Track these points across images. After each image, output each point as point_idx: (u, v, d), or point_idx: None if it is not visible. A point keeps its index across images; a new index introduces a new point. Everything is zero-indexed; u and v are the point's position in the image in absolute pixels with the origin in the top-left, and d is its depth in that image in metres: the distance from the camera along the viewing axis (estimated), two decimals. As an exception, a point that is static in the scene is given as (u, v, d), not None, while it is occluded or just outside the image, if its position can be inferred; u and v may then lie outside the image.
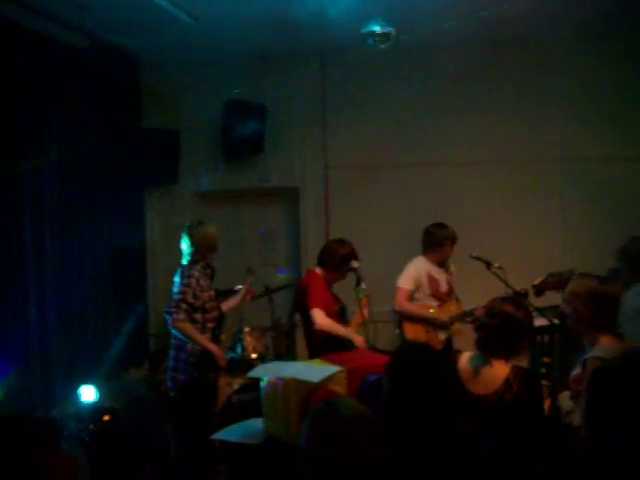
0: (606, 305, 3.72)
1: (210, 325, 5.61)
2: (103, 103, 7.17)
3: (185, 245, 5.64)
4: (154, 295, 8.00)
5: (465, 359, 3.76)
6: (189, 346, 5.51)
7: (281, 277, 7.59)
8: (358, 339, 5.66)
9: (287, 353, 7.03)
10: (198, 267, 5.57)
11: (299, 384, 3.70)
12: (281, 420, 3.69)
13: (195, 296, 5.46)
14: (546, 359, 6.21)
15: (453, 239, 6.48)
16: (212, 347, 5.51)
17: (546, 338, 6.55)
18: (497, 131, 7.68)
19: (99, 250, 7.15)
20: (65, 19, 6.18)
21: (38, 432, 2.43)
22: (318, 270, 5.97)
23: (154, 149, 7.86)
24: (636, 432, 2.20)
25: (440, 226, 6.50)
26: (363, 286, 5.77)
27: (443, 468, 2.56)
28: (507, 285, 6.13)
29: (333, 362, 4.05)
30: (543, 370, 6.12)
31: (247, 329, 6.61)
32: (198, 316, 5.53)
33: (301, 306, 5.96)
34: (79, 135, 6.81)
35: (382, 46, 6.02)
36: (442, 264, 6.57)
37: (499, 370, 3.62)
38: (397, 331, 6.51)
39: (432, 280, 6.47)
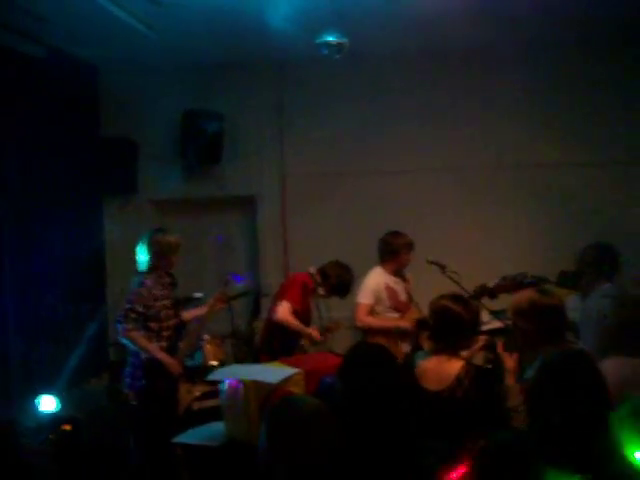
0: (547, 317, 3.67)
1: (166, 334, 5.56)
2: (61, 113, 7.15)
3: (142, 253, 5.62)
4: (113, 304, 7.95)
5: (417, 356, 3.88)
6: (143, 354, 5.51)
7: (239, 285, 7.62)
8: (314, 332, 5.75)
9: (247, 360, 7.07)
10: (152, 276, 5.54)
11: (258, 386, 3.77)
12: (241, 422, 3.76)
13: (146, 306, 5.41)
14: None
15: (409, 247, 6.43)
16: (162, 356, 5.44)
17: (502, 340, 6.70)
18: (452, 139, 7.81)
19: (57, 259, 7.09)
20: (22, 29, 6.19)
21: None
22: (308, 276, 6.09)
23: (113, 158, 7.87)
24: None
25: (395, 234, 6.46)
26: (321, 292, 5.90)
27: (395, 466, 2.63)
28: (462, 288, 6.25)
29: (291, 364, 4.13)
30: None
31: (207, 337, 6.64)
32: (153, 325, 5.49)
33: (275, 299, 6.04)
34: (37, 144, 6.80)
35: (336, 56, 6.09)
36: (399, 273, 6.55)
37: (451, 367, 3.69)
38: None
39: (391, 292, 6.44)
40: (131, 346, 5.46)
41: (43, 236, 6.93)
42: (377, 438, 2.72)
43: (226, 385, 3.93)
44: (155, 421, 5.30)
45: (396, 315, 6.44)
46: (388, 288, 6.41)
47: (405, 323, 6.34)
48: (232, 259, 8.27)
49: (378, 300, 6.36)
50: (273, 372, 3.91)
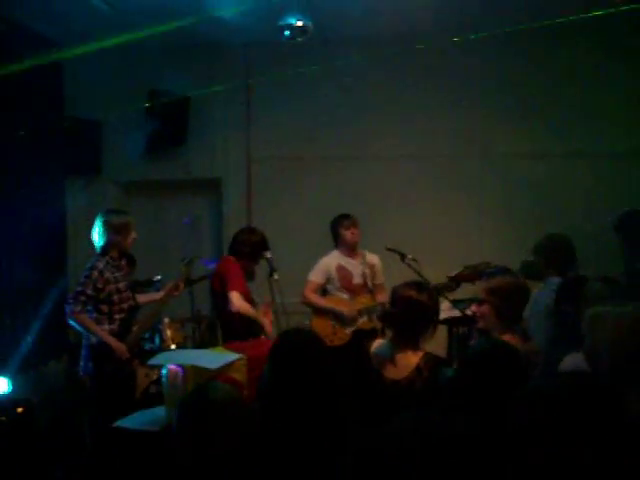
0: (520, 299, 3.79)
1: (118, 317, 5.48)
2: (24, 91, 7.04)
3: (96, 235, 5.56)
4: (74, 286, 7.91)
5: (377, 345, 3.84)
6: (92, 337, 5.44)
7: (203, 268, 7.57)
8: (268, 326, 5.73)
9: (209, 344, 7.03)
10: (105, 259, 5.47)
11: (198, 371, 3.74)
12: (180, 407, 3.72)
13: (96, 288, 5.34)
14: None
15: (345, 224, 6.54)
16: (109, 339, 5.34)
17: (460, 329, 6.71)
18: (419, 127, 7.78)
19: (18, 238, 7.01)
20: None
21: None
22: (232, 258, 6.01)
23: (76, 138, 7.78)
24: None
25: (338, 216, 6.63)
26: (276, 277, 5.85)
27: (316, 453, 2.60)
28: (420, 276, 6.21)
29: (235, 350, 4.09)
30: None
31: (166, 320, 6.60)
32: (104, 307, 5.42)
33: (217, 291, 5.98)
34: (-2, 123, 6.72)
35: (299, 39, 6.04)
36: (354, 255, 6.59)
37: (410, 357, 3.66)
38: (307, 323, 6.55)
39: (343, 272, 6.53)
40: (78, 328, 5.40)
41: (4, 215, 6.84)
42: (301, 424, 2.69)
43: (167, 370, 3.89)
44: (106, 404, 5.23)
45: (346, 296, 6.53)
46: (340, 268, 6.53)
47: (343, 307, 6.45)
48: (197, 242, 8.20)
49: (329, 279, 6.55)
50: (214, 357, 3.88)
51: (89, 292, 5.31)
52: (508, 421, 1.69)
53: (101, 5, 6.17)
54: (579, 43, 7.47)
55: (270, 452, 2.44)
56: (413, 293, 3.69)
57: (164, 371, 3.91)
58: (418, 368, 3.63)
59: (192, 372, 3.74)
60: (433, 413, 1.62)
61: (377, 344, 3.87)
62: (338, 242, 6.60)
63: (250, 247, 5.98)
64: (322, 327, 6.40)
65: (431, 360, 3.67)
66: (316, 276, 6.53)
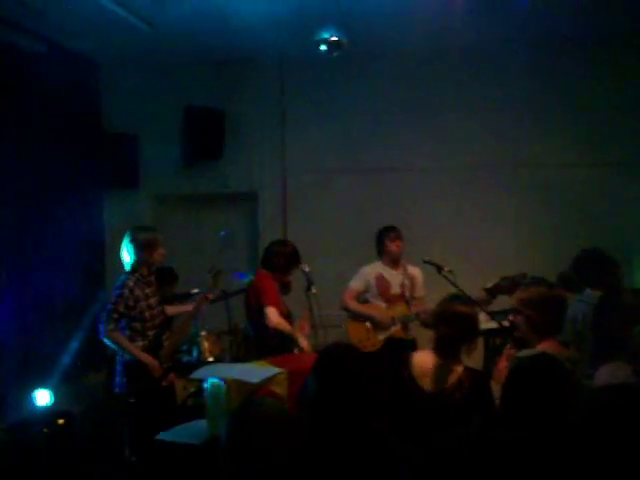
0: (554, 310, 3.76)
1: (150, 333, 5.56)
2: (63, 108, 7.20)
3: (125, 253, 5.59)
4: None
5: (419, 356, 3.90)
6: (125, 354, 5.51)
7: (241, 281, 7.63)
8: (303, 341, 5.75)
9: (245, 357, 7.07)
10: (134, 277, 5.51)
11: (240, 385, 3.79)
12: (223, 420, 3.75)
13: (128, 306, 5.40)
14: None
15: (391, 236, 6.61)
16: (144, 357, 5.43)
17: (497, 341, 6.69)
18: (453, 137, 7.78)
19: (57, 253, 7.14)
20: (23, 25, 6.22)
21: None
22: (265, 272, 6.06)
23: (114, 153, 7.91)
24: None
25: (384, 227, 6.70)
26: (313, 290, 5.88)
27: (360, 465, 2.63)
28: (457, 288, 6.23)
29: (276, 364, 4.13)
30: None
31: (204, 332, 6.65)
32: (137, 324, 5.48)
33: (252, 306, 6.03)
34: (39, 139, 6.85)
35: (335, 53, 6.10)
36: (396, 266, 6.64)
37: (452, 369, 3.74)
38: (344, 328, 6.66)
39: (381, 281, 6.60)
40: (112, 346, 5.47)
41: (44, 230, 6.98)
42: (346, 437, 2.72)
43: (209, 383, 3.94)
44: (143, 419, 5.29)
45: (384, 304, 6.59)
46: (379, 277, 6.62)
47: (380, 315, 6.53)
48: (232, 255, 8.26)
49: (367, 287, 6.63)
50: (256, 371, 3.92)
51: (121, 310, 5.38)
52: (565, 431, 1.71)
53: (140, 24, 6.26)
54: (614, 55, 7.45)
55: (316, 464, 2.48)
56: (460, 308, 3.82)
57: (206, 384, 3.96)
58: (459, 380, 3.71)
59: (234, 386, 3.79)
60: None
61: (419, 355, 3.94)
62: (382, 253, 6.69)
63: (282, 259, 6.02)
64: (357, 332, 6.53)
65: (472, 373, 3.76)
66: (355, 283, 6.63)
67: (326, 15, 6.08)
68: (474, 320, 3.87)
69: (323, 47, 6.14)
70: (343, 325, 6.63)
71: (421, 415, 3.68)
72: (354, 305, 6.61)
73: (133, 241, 5.53)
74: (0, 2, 5.78)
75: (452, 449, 1.45)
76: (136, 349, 5.43)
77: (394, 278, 6.62)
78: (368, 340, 6.52)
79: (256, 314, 5.91)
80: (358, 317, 6.61)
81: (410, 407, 3.73)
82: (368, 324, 6.57)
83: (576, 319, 4.76)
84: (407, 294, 6.63)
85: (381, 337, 6.55)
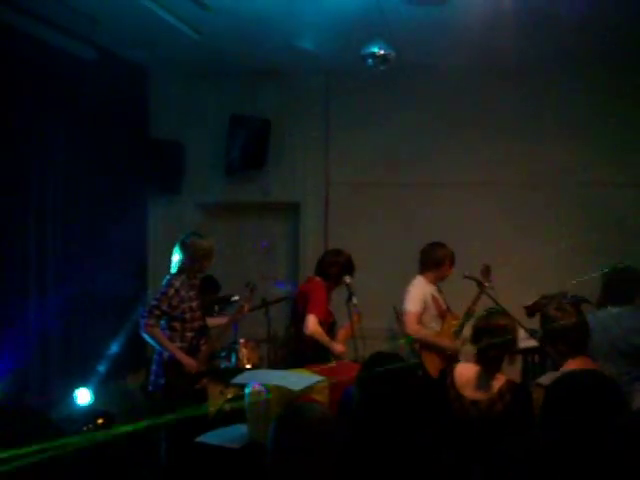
0: (573, 333, 3.91)
1: (189, 334, 5.65)
2: (111, 114, 7.31)
3: (176, 255, 5.72)
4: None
5: (462, 367, 4.03)
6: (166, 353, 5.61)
7: (279, 290, 7.70)
8: (338, 347, 5.79)
9: (283, 365, 7.11)
10: (182, 278, 5.63)
11: (281, 391, 3.82)
12: (263, 425, 3.80)
13: (171, 305, 5.51)
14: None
15: (452, 259, 6.47)
16: (180, 355, 5.54)
17: (536, 359, 6.67)
18: (496, 154, 7.76)
19: (102, 256, 7.24)
20: (74, 31, 6.34)
21: None
22: (318, 279, 6.11)
23: (159, 160, 8.03)
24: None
25: (439, 245, 6.47)
26: (355, 301, 5.91)
27: (402, 475, 2.65)
28: (496, 304, 6.22)
29: (317, 372, 4.17)
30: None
31: (242, 340, 6.73)
32: (177, 325, 5.59)
33: (299, 311, 6.08)
34: (86, 144, 6.97)
35: (381, 67, 6.10)
36: (436, 284, 6.55)
37: (494, 380, 3.85)
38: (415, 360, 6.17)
39: (436, 301, 6.43)
40: (151, 342, 5.57)
41: (89, 232, 7.10)
42: (390, 447, 2.74)
43: (251, 389, 3.99)
44: (178, 419, 5.35)
45: (436, 324, 6.41)
46: (434, 297, 6.42)
47: (447, 342, 6.32)
48: (273, 264, 8.33)
49: (425, 308, 6.33)
50: (297, 379, 3.96)
51: (164, 308, 5.49)
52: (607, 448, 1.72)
53: (189, 32, 6.36)
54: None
55: (357, 473, 2.51)
56: (499, 319, 3.97)
57: (247, 389, 4.01)
58: (501, 391, 3.78)
59: (275, 392, 3.83)
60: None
61: (462, 366, 4.07)
62: (431, 271, 6.43)
63: (336, 268, 6.06)
64: (434, 360, 6.24)
65: (514, 385, 3.86)
66: (416, 306, 6.26)
67: (374, 29, 6.11)
68: (514, 332, 3.99)
69: (370, 61, 6.14)
70: (414, 358, 6.22)
71: (463, 424, 3.77)
72: (424, 333, 6.28)
73: (190, 246, 5.67)
74: (53, 8, 5.89)
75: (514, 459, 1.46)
76: (173, 347, 5.52)
77: (439, 295, 6.52)
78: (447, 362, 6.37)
79: (301, 321, 5.97)
80: (429, 347, 6.29)
81: (452, 416, 3.83)
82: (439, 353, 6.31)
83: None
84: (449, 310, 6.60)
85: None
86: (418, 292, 6.33)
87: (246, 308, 6.12)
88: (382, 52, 6.03)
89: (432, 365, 6.20)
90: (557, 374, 3.75)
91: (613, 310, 4.98)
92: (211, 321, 6.14)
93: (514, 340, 3.98)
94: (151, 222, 8.39)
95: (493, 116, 7.74)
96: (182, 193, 8.32)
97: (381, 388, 2.83)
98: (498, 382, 3.83)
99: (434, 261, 6.42)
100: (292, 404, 2.51)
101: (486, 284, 6.26)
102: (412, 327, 6.21)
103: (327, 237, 8.13)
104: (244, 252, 8.31)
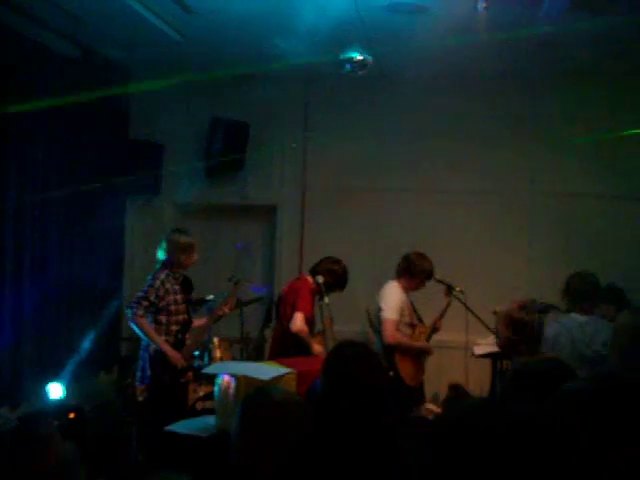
0: (520, 331, 3.94)
1: (174, 328, 5.78)
2: (91, 112, 7.35)
3: (160, 251, 5.84)
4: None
5: None
6: (152, 346, 5.70)
7: (255, 293, 7.75)
8: (317, 347, 5.89)
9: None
10: (165, 271, 5.78)
11: (250, 382, 3.90)
12: (231, 415, 3.85)
13: (158, 297, 5.65)
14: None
15: (429, 275, 6.43)
16: (166, 348, 5.65)
17: (505, 364, 6.76)
18: (472, 162, 7.88)
19: (77, 253, 7.29)
20: (58, 28, 6.40)
21: None
22: (309, 278, 6.21)
23: (139, 160, 8.07)
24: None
25: (422, 257, 6.43)
26: (326, 301, 6.01)
27: (365, 458, 2.71)
28: (467, 308, 6.38)
29: (285, 364, 4.25)
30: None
31: (216, 339, 6.79)
32: (163, 318, 5.72)
33: (286, 307, 6.17)
34: (65, 142, 7.02)
35: (359, 73, 6.22)
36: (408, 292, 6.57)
37: None
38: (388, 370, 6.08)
39: (408, 308, 6.49)
40: (138, 332, 5.66)
41: (66, 230, 7.12)
42: (351, 433, 2.80)
43: (220, 379, 4.06)
44: (161, 411, 5.43)
45: (410, 331, 6.49)
46: (407, 305, 6.47)
47: (425, 344, 6.47)
48: (249, 266, 8.39)
49: (401, 316, 6.36)
50: (266, 370, 4.04)
51: (152, 299, 5.63)
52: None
53: (173, 34, 6.44)
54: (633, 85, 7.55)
55: (322, 452, 2.56)
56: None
57: (218, 380, 4.08)
58: None
59: (244, 382, 3.90)
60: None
61: None
62: (407, 279, 6.43)
63: (331, 277, 6.21)
64: (408, 366, 6.35)
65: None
66: (395, 314, 6.27)
67: (353, 35, 6.22)
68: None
69: (348, 66, 6.26)
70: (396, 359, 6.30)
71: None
72: (404, 339, 6.35)
73: (172, 241, 5.81)
74: (39, 5, 5.95)
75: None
76: (161, 340, 5.64)
77: (409, 303, 6.58)
78: (419, 373, 6.50)
79: (288, 316, 6.06)
80: (406, 351, 6.36)
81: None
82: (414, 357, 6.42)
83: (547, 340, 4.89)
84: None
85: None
86: (396, 300, 6.34)
87: (230, 303, 6.19)
88: (360, 58, 6.16)
89: (406, 372, 6.31)
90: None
91: (578, 317, 5.09)
92: (197, 322, 6.23)
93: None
94: (129, 222, 8.43)
95: (470, 125, 7.86)
96: (161, 193, 8.37)
97: (344, 374, 2.89)
98: None
99: (413, 271, 6.40)
100: (257, 387, 2.57)
101: (457, 288, 6.38)
102: (391, 334, 6.23)
103: (303, 240, 8.22)
104: (220, 253, 8.37)
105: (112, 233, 8.06)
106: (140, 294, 5.70)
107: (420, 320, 6.65)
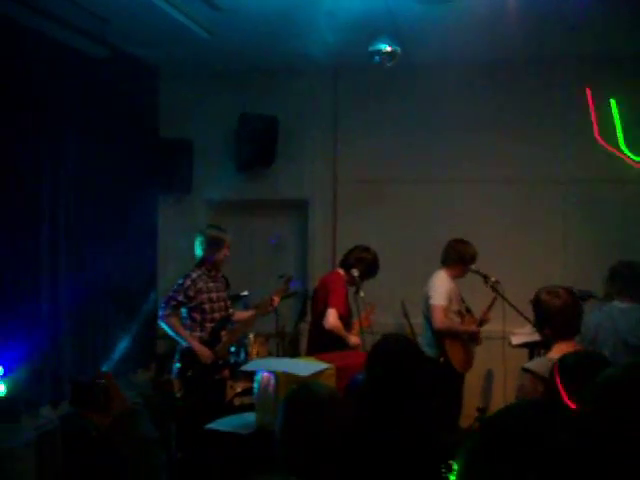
0: (551, 314, 3.81)
1: (209, 325, 5.82)
2: (122, 112, 7.41)
3: (197, 248, 5.94)
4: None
5: None
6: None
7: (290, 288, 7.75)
8: (354, 339, 5.88)
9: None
10: (199, 270, 5.83)
11: (290, 378, 3.89)
12: (271, 412, 3.87)
13: (187, 296, 5.70)
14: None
15: (475, 258, 6.47)
16: (195, 344, 5.73)
17: (542, 353, 6.71)
18: (503, 151, 7.79)
19: (113, 253, 7.32)
20: (86, 30, 6.43)
21: None
22: (341, 272, 6.20)
23: (170, 158, 8.12)
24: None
25: (466, 243, 6.47)
26: (361, 294, 5.99)
27: (406, 453, 2.70)
28: (503, 298, 6.33)
29: (324, 360, 4.24)
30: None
31: (252, 335, 6.82)
32: (197, 315, 5.78)
33: (318, 302, 6.17)
34: (97, 143, 7.05)
35: (388, 64, 6.16)
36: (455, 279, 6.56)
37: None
38: (439, 356, 6.28)
39: (457, 296, 6.48)
40: (168, 331, 5.73)
41: (100, 231, 7.16)
42: (395, 426, 2.80)
43: (260, 376, 4.06)
44: (199, 408, 5.46)
45: (458, 320, 6.50)
46: (456, 292, 6.46)
47: (474, 328, 6.46)
48: (282, 261, 8.40)
49: (450, 303, 6.36)
50: (305, 366, 4.03)
51: (180, 298, 5.67)
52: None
53: (200, 32, 6.44)
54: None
55: (363, 447, 2.56)
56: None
57: (257, 377, 4.08)
58: None
59: (284, 379, 3.90)
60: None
61: None
62: (456, 267, 6.45)
63: (362, 265, 6.18)
64: (457, 350, 6.35)
65: None
66: (444, 300, 6.26)
67: (382, 27, 6.18)
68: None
69: (377, 58, 6.21)
70: (435, 349, 6.32)
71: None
72: (454, 323, 6.37)
73: (202, 236, 5.84)
74: (64, 6, 5.98)
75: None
76: (189, 335, 5.69)
77: (458, 290, 6.57)
78: (469, 356, 6.50)
79: (320, 312, 6.06)
80: (456, 337, 6.36)
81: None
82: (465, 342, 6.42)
83: (589, 328, 4.84)
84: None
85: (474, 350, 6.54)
86: (445, 286, 6.34)
87: (276, 300, 6.24)
88: (389, 49, 6.10)
89: (456, 358, 6.30)
90: (543, 360, 3.80)
91: (620, 305, 5.03)
92: (238, 315, 6.27)
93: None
94: (161, 220, 8.46)
95: (501, 114, 7.78)
96: (192, 191, 8.39)
97: (386, 368, 2.89)
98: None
99: (460, 257, 6.43)
100: (301, 384, 2.56)
101: (492, 278, 6.33)
102: (439, 319, 6.24)
103: (335, 234, 8.20)
104: (253, 249, 8.39)
105: (145, 232, 8.10)
106: (170, 294, 5.80)
107: (468, 310, 6.65)
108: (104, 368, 6.72)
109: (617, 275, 5.23)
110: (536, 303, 3.86)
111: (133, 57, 7.54)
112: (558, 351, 3.53)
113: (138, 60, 7.67)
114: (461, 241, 6.49)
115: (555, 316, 3.75)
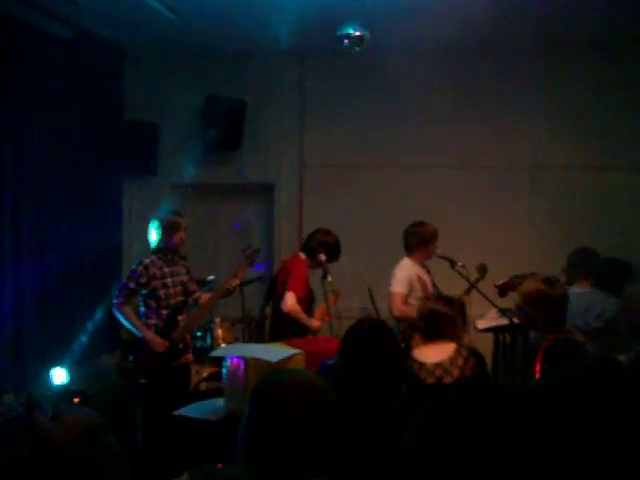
0: (551, 307, 3.85)
1: (165, 312, 5.70)
2: (86, 94, 7.29)
3: (150, 234, 5.80)
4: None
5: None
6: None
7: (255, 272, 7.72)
8: (315, 322, 5.87)
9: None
10: (154, 256, 5.70)
11: (259, 364, 3.88)
12: (240, 398, 3.86)
13: (139, 283, 5.57)
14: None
15: (436, 236, 6.47)
16: (146, 333, 5.58)
17: (507, 338, 6.77)
18: (470, 137, 7.85)
19: (76, 236, 7.25)
20: (51, 10, 6.32)
21: None
22: (303, 256, 6.17)
23: (135, 141, 8.04)
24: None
25: (422, 224, 6.47)
26: (329, 279, 5.98)
27: (384, 435, 2.70)
28: (470, 283, 6.35)
29: (293, 345, 4.23)
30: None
31: (218, 319, 6.77)
32: (152, 302, 5.65)
33: (278, 286, 6.14)
34: (61, 124, 6.95)
35: (356, 48, 6.17)
36: (424, 264, 6.58)
37: (447, 346, 4.07)
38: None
39: (422, 282, 6.44)
40: (122, 320, 5.63)
41: (64, 212, 7.08)
42: (368, 410, 2.80)
43: (228, 362, 4.04)
44: (164, 394, 5.40)
45: None
46: (420, 279, 6.43)
47: None
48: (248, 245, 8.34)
49: (411, 290, 6.36)
50: (274, 351, 4.02)
51: (132, 286, 5.58)
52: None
53: (167, 13, 6.36)
54: (631, 56, 7.53)
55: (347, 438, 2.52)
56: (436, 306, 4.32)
57: (225, 362, 4.06)
58: (457, 350, 4.04)
59: (253, 364, 3.89)
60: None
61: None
62: (419, 251, 6.44)
63: (324, 248, 6.13)
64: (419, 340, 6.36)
65: (465, 349, 4.11)
66: (402, 287, 6.31)
67: (349, 10, 6.15)
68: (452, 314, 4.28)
69: (345, 42, 6.20)
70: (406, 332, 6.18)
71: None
72: (411, 311, 6.12)
73: (157, 222, 5.71)
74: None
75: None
76: (141, 325, 5.61)
77: (426, 277, 6.53)
78: None
79: (279, 295, 6.04)
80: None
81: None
82: None
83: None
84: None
85: None
86: (404, 274, 6.36)
87: (240, 275, 5.96)
88: (357, 33, 6.10)
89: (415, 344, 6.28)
90: None
91: (576, 289, 5.15)
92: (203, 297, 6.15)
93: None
94: (126, 203, 8.37)
95: (470, 99, 7.82)
96: (158, 174, 8.30)
97: (360, 352, 2.88)
98: (450, 346, 4.04)
99: (421, 240, 6.44)
100: (271, 370, 2.53)
101: (459, 263, 6.36)
102: (397, 307, 6.28)
103: (301, 218, 8.18)
104: (219, 233, 8.34)
105: (111, 214, 8.03)
106: (123, 282, 5.71)
107: (441, 295, 6.62)
108: (68, 354, 6.66)
109: (571, 262, 5.47)
110: (537, 295, 3.86)
111: (98, 38, 7.42)
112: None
113: (103, 41, 7.56)
114: (418, 224, 6.49)
115: (554, 306, 3.85)
